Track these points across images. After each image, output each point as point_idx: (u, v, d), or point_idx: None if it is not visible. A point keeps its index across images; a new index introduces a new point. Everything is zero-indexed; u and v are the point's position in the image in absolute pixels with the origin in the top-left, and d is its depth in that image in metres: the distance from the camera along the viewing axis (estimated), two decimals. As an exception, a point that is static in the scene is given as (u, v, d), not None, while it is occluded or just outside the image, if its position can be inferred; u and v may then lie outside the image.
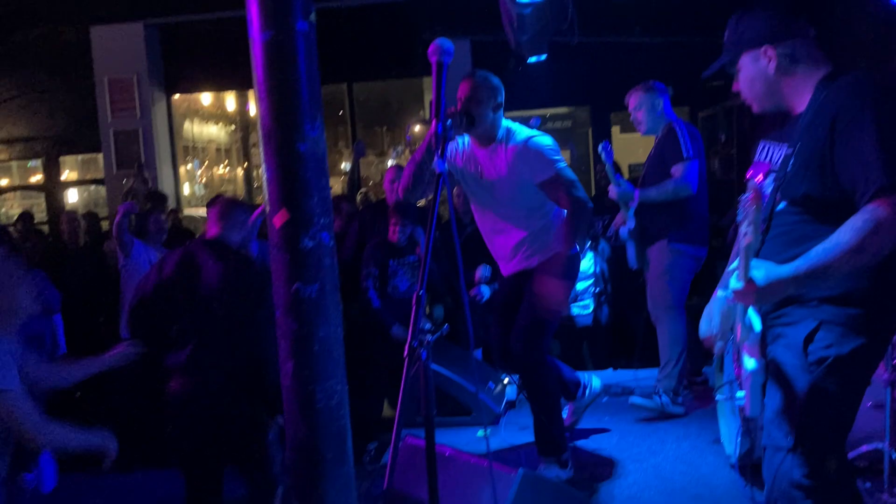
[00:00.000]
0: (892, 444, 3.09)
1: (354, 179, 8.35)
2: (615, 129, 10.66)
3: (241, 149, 14.02)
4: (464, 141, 3.66)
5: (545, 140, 3.55)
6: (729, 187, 7.31)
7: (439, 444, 2.16)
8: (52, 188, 10.90)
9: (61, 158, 10.87)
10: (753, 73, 2.23)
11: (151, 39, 9.89)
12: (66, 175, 11.23)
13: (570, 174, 3.54)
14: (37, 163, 11.13)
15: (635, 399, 4.48)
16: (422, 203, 4.97)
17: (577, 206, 3.50)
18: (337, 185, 10.58)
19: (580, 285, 5.82)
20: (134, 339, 3.21)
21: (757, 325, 2.13)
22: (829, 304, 2.07)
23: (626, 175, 7.61)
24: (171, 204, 8.75)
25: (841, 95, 2.05)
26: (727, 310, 2.30)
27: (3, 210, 11.44)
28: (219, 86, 11.14)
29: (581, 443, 4.15)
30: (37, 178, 11.38)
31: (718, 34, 2.39)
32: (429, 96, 3.72)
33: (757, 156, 2.31)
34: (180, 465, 3.31)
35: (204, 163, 13.06)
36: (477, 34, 8.65)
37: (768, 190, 2.13)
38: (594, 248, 5.83)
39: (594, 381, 4.22)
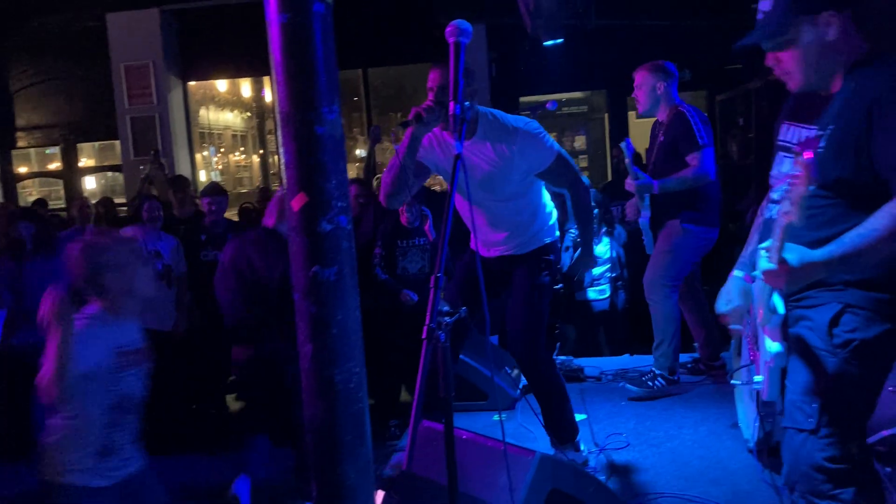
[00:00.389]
0: (912, 429, 3.08)
1: (371, 165, 8.36)
2: (631, 114, 10.59)
3: (256, 135, 14.06)
4: (438, 133, 3.38)
5: (532, 124, 3.36)
6: (746, 171, 7.26)
7: (456, 427, 2.17)
8: (70, 175, 10.98)
9: (79, 145, 10.94)
10: (809, 41, 2.07)
11: (167, 26, 9.91)
12: (84, 162, 11.29)
13: (567, 154, 3.46)
14: (55, 150, 11.20)
15: (628, 387, 4.53)
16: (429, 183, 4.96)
17: (583, 187, 3.47)
18: (352, 171, 10.59)
19: (596, 270, 5.82)
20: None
21: (781, 307, 2.12)
22: (855, 287, 2.05)
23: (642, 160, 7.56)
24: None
25: (881, 79, 2.00)
26: (746, 290, 2.29)
27: (22, 197, 11.52)
28: (235, 72, 11.17)
29: (598, 427, 4.15)
30: (55, 165, 11.46)
31: (736, 17, 2.33)
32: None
33: (781, 136, 2.28)
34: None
35: (220, 149, 13.11)
36: (493, 18, 8.61)
37: (796, 171, 2.11)
38: (610, 234, 5.81)
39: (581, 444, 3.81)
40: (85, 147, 11.24)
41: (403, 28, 9.47)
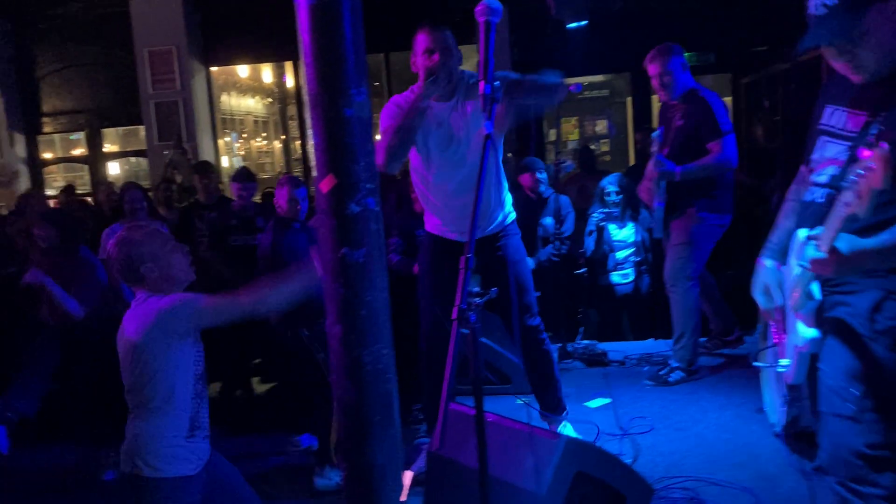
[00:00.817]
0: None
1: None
2: (654, 98, 10.49)
3: (278, 121, 14.08)
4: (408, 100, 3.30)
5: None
6: (772, 154, 7.18)
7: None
8: (94, 160, 11.06)
9: (103, 131, 11.02)
10: (884, 29, 1.98)
11: (190, 11, 9.93)
12: (108, 147, 11.38)
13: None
14: (79, 135, 11.29)
15: (646, 382, 4.52)
16: None
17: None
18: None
19: (620, 254, 5.79)
20: None
21: (818, 293, 2.09)
22: None
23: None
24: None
25: None
26: (781, 281, 2.26)
27: (48, 182, 11.64)
28: (257, 57, 11.17)
29: (623, 411, 4.15)
30: (79, 150, 11.55)
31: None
32: (463, 65, 3.60)
33: (825, 120, 2.22)
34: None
35: (242, 135, 13.16)
36: (515, 0, 8.55)
37: (843, 157, 2.07)
38: (635, 218, 5.78)
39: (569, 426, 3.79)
40: (109, 132, 11.32)
41: (426, 12, 9.41)
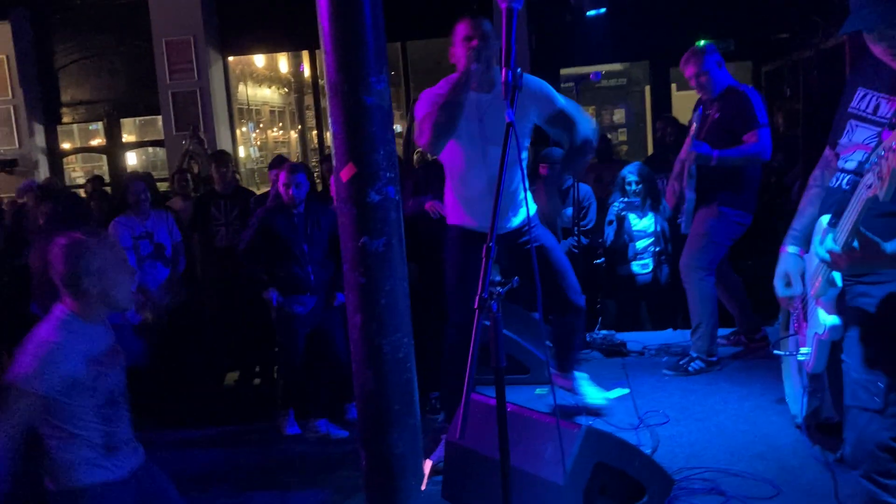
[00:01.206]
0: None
1: (410, 140, 8.34)
2: (673, 87, 10.40)
3: (295, 111, 14.09)
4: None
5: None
6: (794, 142, 7.09)
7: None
8: (113, 150, 11.12)
9: (122, 121, 11.07)
10: None
11: (207, 0, 9.94)
12: (126, 137, 11.43)
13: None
14: (98, 125, 11.34)
15: (666, 372, 4.51)
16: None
17: (592, 128, 3.52)
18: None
19: (640, 244, 5.76)
20: None
21: (839, 280, 2.07)
22: None
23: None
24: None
25: None
26: (803, 270, 2.23)
27: (67, 172, 11.71)
28: (273, 47, 11.17)
29: (642, 401, 4.13)
30: (98, 140, 11.61)
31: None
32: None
33: (855, 104, 2.18)
34: None
35: (259, 125, 13.18)
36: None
37: (872, 142, 2.03)
38: (655, 208, 5.74)
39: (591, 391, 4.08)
40: (127, 122, 11.36)
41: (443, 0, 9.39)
